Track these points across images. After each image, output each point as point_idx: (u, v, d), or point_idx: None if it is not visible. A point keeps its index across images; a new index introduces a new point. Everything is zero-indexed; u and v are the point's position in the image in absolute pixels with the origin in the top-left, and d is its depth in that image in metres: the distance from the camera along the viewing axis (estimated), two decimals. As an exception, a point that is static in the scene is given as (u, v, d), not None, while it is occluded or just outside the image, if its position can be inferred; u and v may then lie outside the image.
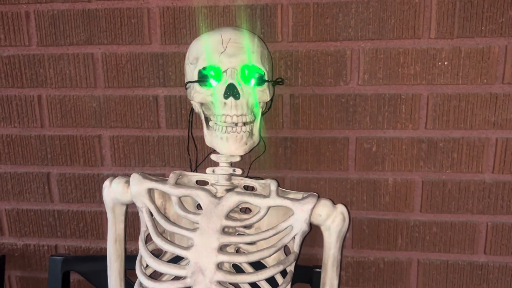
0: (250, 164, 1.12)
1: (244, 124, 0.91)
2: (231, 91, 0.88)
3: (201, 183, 1.05)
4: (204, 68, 0.91)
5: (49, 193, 1.23)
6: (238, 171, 1.00)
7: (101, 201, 1.23)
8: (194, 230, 0.92)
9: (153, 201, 0.98)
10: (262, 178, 1.15)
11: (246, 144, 0.92)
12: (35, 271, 1.29)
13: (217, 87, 0.90)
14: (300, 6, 1.06)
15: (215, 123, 0.92)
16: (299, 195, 0.99)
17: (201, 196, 0.93)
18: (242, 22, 1.07)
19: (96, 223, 1.24)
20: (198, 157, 1.14)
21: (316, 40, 1.07)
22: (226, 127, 0.90)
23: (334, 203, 0.96)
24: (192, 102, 0.97)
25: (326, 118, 1.10)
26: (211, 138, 0.93)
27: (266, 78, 0.93)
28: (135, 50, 1.12)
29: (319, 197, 0.96)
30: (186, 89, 0.98)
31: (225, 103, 0.88)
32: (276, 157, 1.14)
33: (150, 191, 0.98)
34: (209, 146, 0.95)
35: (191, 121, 1.05)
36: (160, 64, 1.12)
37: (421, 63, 1.05)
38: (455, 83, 1.05)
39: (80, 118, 1.18)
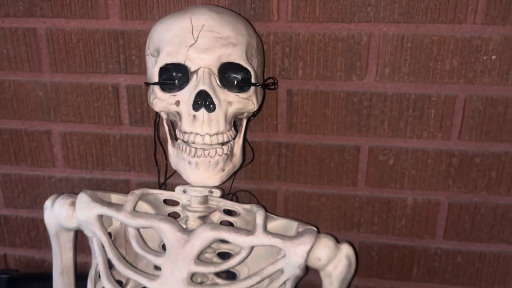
0: (234, 175, 0.89)
1: (222, 144, 0.67)
2: (203, 101, 0.63)
3: (170, 203, 0.83)
4: (166, 66, 0.66)
5: (-8, 196, 1.02)
6: (217, 193, 0.78)
7: (55, 208, 1.01)
8: (153, 278, 0.71)
9: (105, 230, 0.76)
10: (250, 192, 0.93)
11: (223, 170, 0.68)
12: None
13: (184, 93, 0.65)
14: (303, -26, 0.79)
15: (182, 141, 0.68)
16: (293, 225, 0.78)
17: (165, 231, 0.72)
18: (226, -7, 0.81)
19: (50, 233, 1.03)
20: (168, 166, 0.91)
21: (323, 20, 0.81)
22: (196, 149, 0.66)
23: (337, 239, 0.74)
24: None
25: (332, 122, 0.86)
26: (176, 159, 0.69)
27: (253, 80, 0.68)
28: (88, 26, 0.87)
29: (318, 232, 0.74)
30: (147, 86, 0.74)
31: (194, 116, 0.64)
32: (268, 167, 0.91)
33: (103, 217, 0.76)
34: (175, 169, 0.72)
35: (158, 121, 0.81)
36: (120, 45, 0.87)
37: (460, 57, 0.79)
38: (503, 84, 0.80)
39: (25, 109, 0.94)
